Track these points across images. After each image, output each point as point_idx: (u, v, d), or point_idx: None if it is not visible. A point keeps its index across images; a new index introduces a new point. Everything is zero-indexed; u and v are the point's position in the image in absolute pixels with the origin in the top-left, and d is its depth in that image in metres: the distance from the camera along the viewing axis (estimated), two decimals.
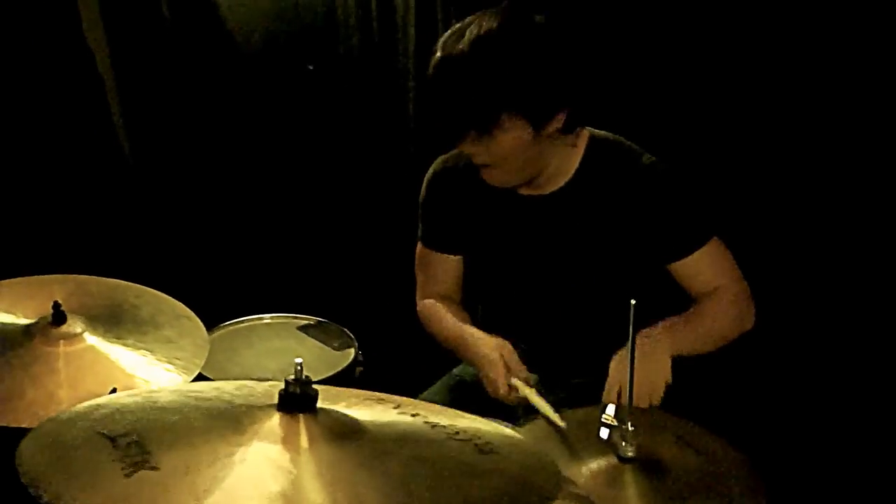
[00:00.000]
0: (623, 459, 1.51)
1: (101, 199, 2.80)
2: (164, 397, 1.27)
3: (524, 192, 2.01)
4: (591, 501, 1.41)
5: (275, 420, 1.13)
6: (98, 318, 1.80)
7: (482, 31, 1.79)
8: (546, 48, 1.82)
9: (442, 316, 2.10)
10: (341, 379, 2.04)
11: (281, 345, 2.23)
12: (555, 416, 1.69)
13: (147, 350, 1.76)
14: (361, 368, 2.15)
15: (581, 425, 1.61)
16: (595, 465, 1.52)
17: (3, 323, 1.78)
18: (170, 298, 1.94)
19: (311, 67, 2.86)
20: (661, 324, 1.94)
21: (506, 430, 1.31)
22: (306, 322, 2.31)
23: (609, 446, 1.53)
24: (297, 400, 1.14)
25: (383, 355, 2.26)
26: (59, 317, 1.74)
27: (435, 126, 1.90)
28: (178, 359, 1.76)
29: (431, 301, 2.15)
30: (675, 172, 1.98)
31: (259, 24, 2.85)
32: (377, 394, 1.38)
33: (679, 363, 1.88)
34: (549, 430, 1.67)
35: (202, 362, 1.78)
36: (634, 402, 1.61)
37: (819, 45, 2.31)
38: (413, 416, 1.27)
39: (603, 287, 2.02)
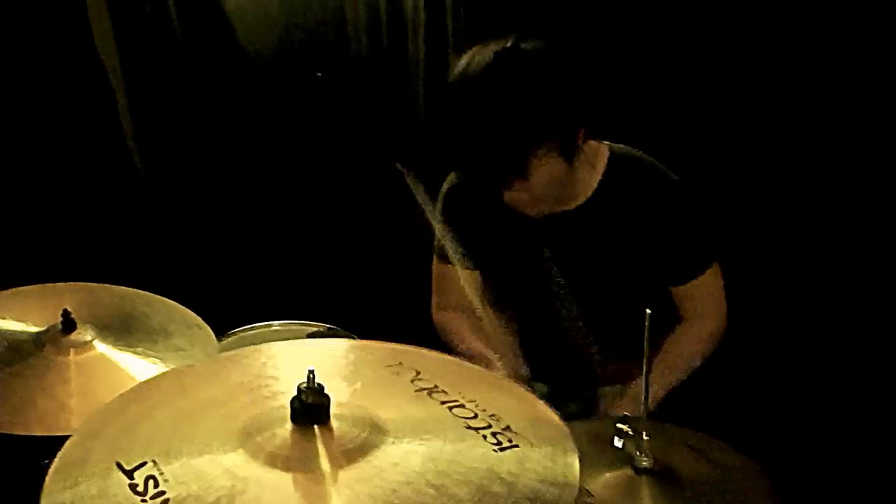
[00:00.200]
0: (638, 470, 1.49)
1: (111, 208, 2.80)
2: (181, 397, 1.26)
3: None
4: None
5: (289, 439, 1.12)
6: (108, 327, 1.80)
7: (494, 80, 1.76)
8: (561, 74, 1.81)
9: (459, 328, 2.09)
10: None
11: None
12: None
13: (158, 358, 1.76)
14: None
15: (596, 436, 1.59)
16: (610, 475, 1.51)
17: (13, 331, 1.78)
18: (180, 306, 1.93)
19: (319, 75, 2.85)
20: (630, 386, 1.95)
21: (526, 399, 1.29)
22: (316, 329, 2.30)
23: (624, 457, 1.52)
24: (310, 411, 1.12)
25: None
26: (69, 325, 1.74)
27: (474, 180, 1.90)
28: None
29: (452, 315, 2.14)
30: (694, 192, 1.97)
31: (268, 32, 2.85)
32: (397, 352, 1.35)
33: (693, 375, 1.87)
34: None
35: None
36: None
37: (816, 53, 2.31)
38: (430, 392, 1.24)
39: (618, 302, 2.00)
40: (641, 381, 1.51)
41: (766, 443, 1.73)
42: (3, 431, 1.57)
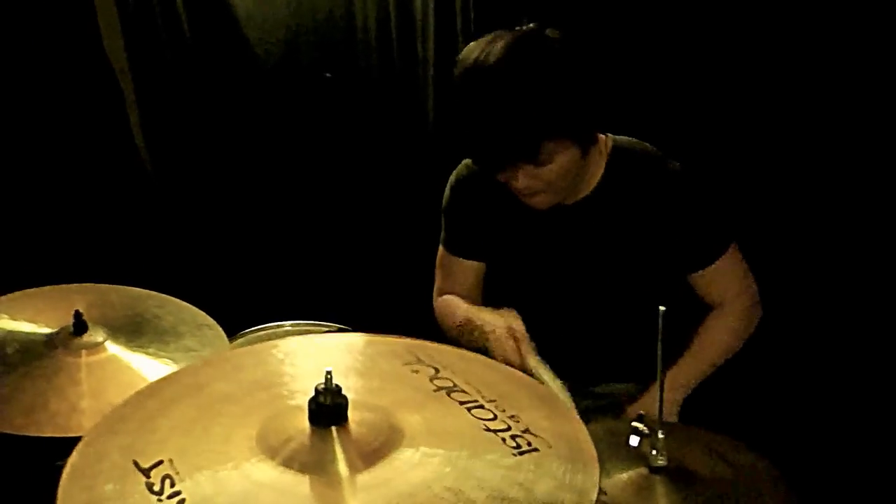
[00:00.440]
0: (653, 469, 1.49)
1: (122, 209, 2.80)
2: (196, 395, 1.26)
3: None
4: None
5: (306, 441, 1.11)
6: (120, 328, 1.81)
7: (516, 61, 1.75)
8: (578, 64, 1.80)
9: (452, 304, 2.08)
10: None
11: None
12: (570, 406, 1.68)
13: (169, 359, 1.76)
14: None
15: (611, 434, 1.58)
16: (625, 474, 1.50)
17: (24, 333, 1.78)
18: (191, 307, 1.93)
19: (328, 75, 2.85)
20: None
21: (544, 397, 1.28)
22: (327, 329, 2.30)
23: (639, 455, 1.51)
24: (328, 412, 1.12)
25: None
26: (80, 326, 1.74)
27: (483, 162, 1.89)
28: None
29: (446, 296, 2.14)
30: (699, 179, 1.96)
31: (277, 33, 2.84)
32: (414, 347, 1.35)
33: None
34: None
35: None
36: None
37: (828, 49, 2.30)
38: (449, 392, 1.23)
39: (626, 295, 2.00)
40: (660, 379, 1.50)
41: (781, 442, 1.73)
42: (15, 433, 1.57)
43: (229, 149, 2.91)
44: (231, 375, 1.32)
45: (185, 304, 1.94)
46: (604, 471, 1.50)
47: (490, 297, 2.15)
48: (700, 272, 1.97)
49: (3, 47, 2.59)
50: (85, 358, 1.71)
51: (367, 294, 2.87)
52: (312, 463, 1.10)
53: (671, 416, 1.91)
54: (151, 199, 2.86)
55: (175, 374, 1.60)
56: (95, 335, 1.75)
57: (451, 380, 1.27)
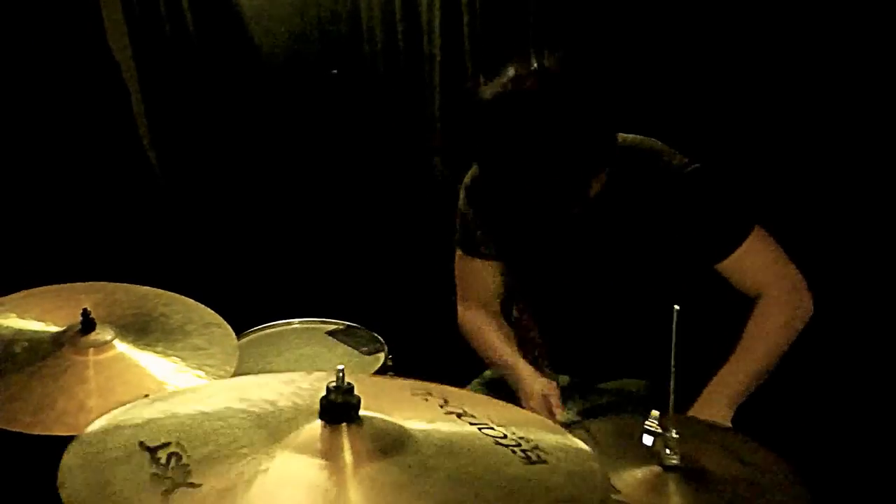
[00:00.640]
0: (666, 468, 1.47)
1: (128, 207, 2.79)
2: (209, 397, 1.26)
3: None
4: None
5: (316, 431, 1.11)
6: (127, 326, 1.80)
7: (555, 126, 1.74)
8: (603, 98, 1.81)
9: (488, 338, 2.09)
10: None
11: (310, 350, 2.21)
12: None
13: (178, 357, 1.75)
14: (392, 373, 2.13)
15: (622, 433, 1.57)
16: (638, 473, 1.49)
17: (32, 331, 1.77)
18: (199, 305, 1.92)
19: (335, 72, 2.84)
20: (713, 382, 1.90)
21: (553, 429, 1.27)
22: (335, 327, 2.30)
23: (652, 454, 1.50)
24: (339, 409, 1.11)
25: (413, 359, 2.23)
26: (88, 325, 1.73)
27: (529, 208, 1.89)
28: (209, 366, 1.75)
29: (476, 314, 2.13)
30: (706, 171, 1.95)
31: (283, 31, 2.83)
32: (425, 385, 1.35)
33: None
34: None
35: (232, 369, 1.76)
36: None
37: (845, 46, 2.29)
38: (460, 415, 1.23)
39: (638, 291, 1.99)
40: (673, 377, 1.49)
41: (795, 439, 1.72)
42: (23, 431, 1.56)
43: (235, 146, 2.90)
44: (236, 390, 1.33)
45: (192, 302, 1.93)
46: (615, 468, 1.50)
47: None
48: (725, 262, 1.94)
49: (10, 46, 2.58)
50: (93, 356, 1.70)
51: (374, 292, 2.86)
52: (322, 451, 1.09)
53: (725, 420, 1.85)
54: (157, 196, 2.86)
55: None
56: (103, 334, 1.74)
57: (461, 408, 1.27)
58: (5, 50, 2.57)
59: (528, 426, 1.24)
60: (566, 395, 1.94)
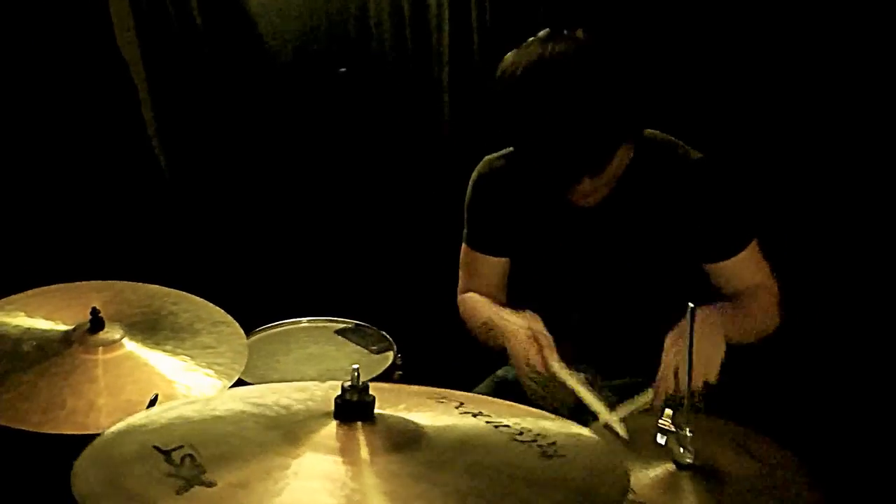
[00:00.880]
0: (680, 466, 1.47)
1: (137, 206, 2.79)
2: (223, 404, 1.25)
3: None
4: None
5: (331, 430, 1.10)
6: (136, 325, 1.79)
7: (581, 77, 1.71)
8: (629, 65, 1.79)
9: (476, 304, 2.07)
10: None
11: (318, 349, 2.20)
12: (604, 412, 1.66)
13: (187, 356, 1.74)
14: (400, 372, 2.12)
15: (637, 431, 1.57)
16: (652, 471, 1.48)
17: (41, 330, 1.76)
18: (208, 304, 1.91)
19: (343, 70, 2.83)
20: (715, 305, 1.88)
21: (572, 426, 1.26)
22: (344, 325, 2.29)
23: (666, 452, 1.49)
24: (354, 408, 1.11)
25: (422, 358, 2.22)
26: (97, 323, 1.73)
27: (550, 180, 1.86)
28: (218, 364, 1.74)
29: (470, 293, 2.12)
30: (723, 170, 1.94)
31: (291, 28, 2.82)
32: (440, 391, 1.35)
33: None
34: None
35: (241, 368, 1.76)
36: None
37: (854, 48, 2.28)
38: (475, 415, 1.23)
39: (648, 287, 1.98)
40: (689, 375, 1.48)
41: (809, 438, 1.71)
42: (32, 430, 1.56)
43: (244, 144, 2.89)
44: (249, 394, 1.33)
45: (201, 300, 1.92)
46: (631, 467, 1.49)
47: (513, 291, 2.13)
48: (721, 263, 1.95)
49: (17, 45, 2.58)
50: (102, 355, 1.70)
51: (383, 291, 2.85)
52: (338, 448, 1.09)
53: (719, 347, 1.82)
54: (166, 195, 2.85)
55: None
56: (112, 332, 1.73)
57: (476, 409, 1.27)
58: (13, 50, 2.57)
59: (547, 424, 1.24)
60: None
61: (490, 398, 1.37)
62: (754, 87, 2.42)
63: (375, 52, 2.83)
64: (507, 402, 1.34)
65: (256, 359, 2.10)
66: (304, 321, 2.31)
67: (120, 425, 1.19)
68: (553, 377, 1.81)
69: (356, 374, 1.11)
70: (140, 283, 1.94)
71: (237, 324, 1.86)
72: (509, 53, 1.80)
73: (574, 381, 1.77)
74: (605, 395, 1.79)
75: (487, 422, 1.21)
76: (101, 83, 2.69)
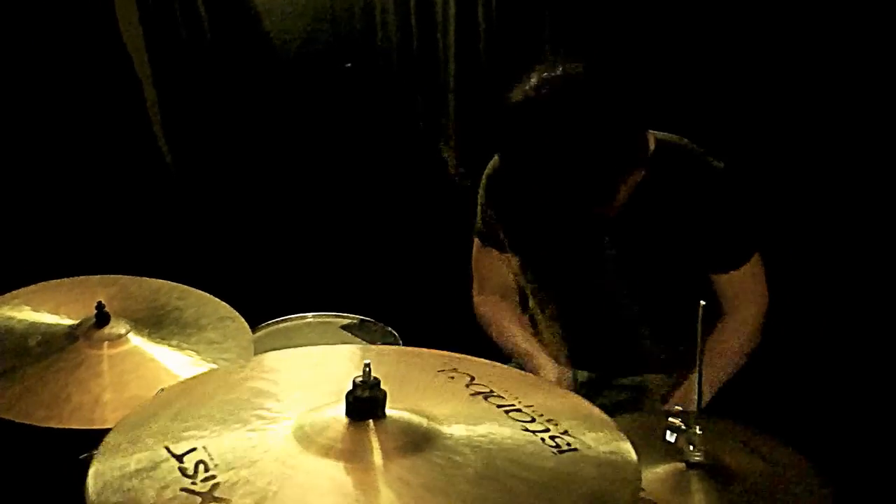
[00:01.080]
0: (690, 465, 1.46)
1: (143, 201, 2.79)
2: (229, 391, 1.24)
3: None
4: None
5: (343, 431, 1.10)
6: (142, 320, 1.79)
7: (585, 123, 1.72)
8: (632, 95, 1.80)
9: (506, 326, 2.07)
10: None
11: (324, 344, 2.19)
12: None
13: (192, 351, 1.74)
14: None
15: (647, 430, 1.56)
16: (660, 469, 1.48)
17: (47, 324, 1.76)
18: (214, 299, 1.91)
19: (348, 65, 2.82)
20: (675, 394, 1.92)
21: (582, 405, 1.26)
22: (349, 321, 2.28)
23: (675, 451, 1.48)
24: (365, 405, 1.10)
25: None
26: (103, 318, 1.72)
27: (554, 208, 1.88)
28: (224, 360, 1.74)
29: (493, 302, 2.11)
30: (739, 180, 1.94)
31: (297, 25, 2.82)
32: (449, 359, 1.34)
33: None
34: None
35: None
36: None
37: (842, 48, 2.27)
38: (486, 397, 1.22)
39: (656, 289, 1.98)
40: (695, 375, 1.48)
41: (818, 437, 1.70)
42: (38, 424, 1.55)
43: (249, 140, 2.89)
44: (265, 375, 1.32)
45: (207, 295, 1.92)
46: (640, 465, 1.49)
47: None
48: (726, 274, 1.96)
49: (23, 43, 2.58)
50: (107, 350, 1.69)
51: (388, 286, 2.85)
52: (348, 452, 1.08)
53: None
54: (172, 190, 2.85)
55: (206, 372, 1.59)
56: (118, 327, 1.73)
57: (487, 386, 1.26)
58: (17, 45, 2.57)
59: (556, 406, 1.23)
60: (585, 392, 1.93)
61: (500, 365, 1.36)
62: (755, 99, 2.42)
63: (381, 49, 2.83)
64: (517, 372, 1.35)
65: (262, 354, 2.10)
66: (310, 316, 2.30)
67: (128, 421, 1.19)
68: None
69: (368, 369, 1.10)
70: (146, 278, 1.94)
71: (243, 319, 1.86)
72: (512, 92, 1.80)
73: None
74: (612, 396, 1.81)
75: (499, 406, 1.20)
76: (106, 78, 2.69)
